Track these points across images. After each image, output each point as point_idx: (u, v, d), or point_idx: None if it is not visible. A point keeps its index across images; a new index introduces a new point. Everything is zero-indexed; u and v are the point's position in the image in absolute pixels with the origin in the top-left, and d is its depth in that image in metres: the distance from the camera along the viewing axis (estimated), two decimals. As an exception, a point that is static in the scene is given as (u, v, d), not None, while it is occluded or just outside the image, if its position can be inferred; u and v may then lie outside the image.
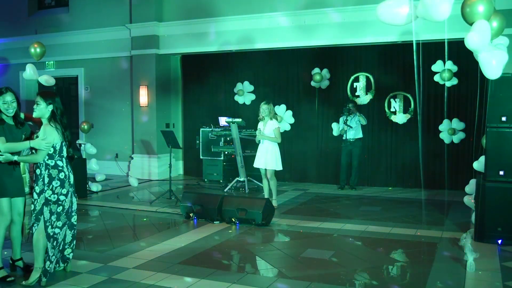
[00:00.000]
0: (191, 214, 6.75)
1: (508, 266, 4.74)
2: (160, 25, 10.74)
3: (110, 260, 4.94)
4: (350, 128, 9.06)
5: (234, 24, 9.99)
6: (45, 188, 4.17)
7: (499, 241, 5.41)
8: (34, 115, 4.23)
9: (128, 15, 11.00)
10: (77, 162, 8.37)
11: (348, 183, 9.39)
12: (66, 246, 4.42)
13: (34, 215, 4.18)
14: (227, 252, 5.33)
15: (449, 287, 4.29)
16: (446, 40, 6.04)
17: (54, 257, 4.22)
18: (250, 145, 9.61)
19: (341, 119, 9.14)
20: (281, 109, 10.15)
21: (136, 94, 11.00)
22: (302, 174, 10.28)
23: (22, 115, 4.50)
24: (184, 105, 11.54)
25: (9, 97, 4.29)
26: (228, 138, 9.97)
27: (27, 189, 6.18)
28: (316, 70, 9.94)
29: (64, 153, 4.28)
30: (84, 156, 9.15)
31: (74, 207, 4.43)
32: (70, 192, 4.34)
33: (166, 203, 7.94)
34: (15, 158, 4.19)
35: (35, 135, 4.32)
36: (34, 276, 4.15)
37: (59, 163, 4.24)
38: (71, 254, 4.50)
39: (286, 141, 9.93)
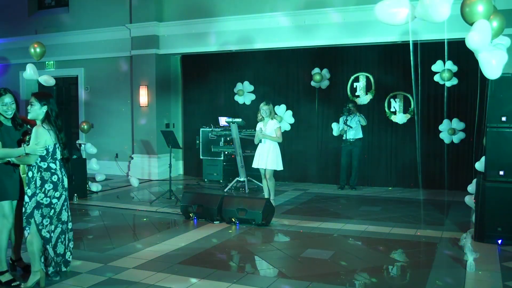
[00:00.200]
0: (191, 214, 6.75)
1: (508, 266, 4.74)
2: (160, 25, 10.74)
3: (110, 260, 4.94)
4: (350, 128, 9.05)
5: (234, 24, 9.99)
6: (37, 191, 4.10)
7: (499, 241, 5.40)
8: (29, 116, 4.18)
9: (128, 15, 11.01)
10: (77, 162, 8.42)
11: (348, 183, 9.39)
12: (66, 250, 4.40)
13: (24, 218, 4.11)
14: (227, 252, 5.33)
15: (449, 287, 4.28)
16: (446, 40, 6.05)
17: (55, 257, 4.26)
18: (250, 145, 9.59)
19: (341, 119, 9.14)
20: (281, 109, 10.15)
21: (136, 94, 11.00)
22: (302, 174, 10.28)
23: (18, 120, 4.42)
24: (184, 105, 11.54)
25: (8, 98, 4.22)
26: (228, 138, 9.97)
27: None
28: (316, 70, 9.94)
29: (58, 156, 4.21)
30: (84, 156, 9.15)
31: (69, 211, 4.39)
32: (64, 196, 4.27)
33: (166, 203, 7.94)
34: (11, 158, 4.14)
35: (27, 137, 4.22)
36: (33, 279, 4.13)
37: (52, 165, 4.17)
38: (71, 256, 4.47)
39: (286, 141, 9.92)
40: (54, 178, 4.18)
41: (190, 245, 5.52)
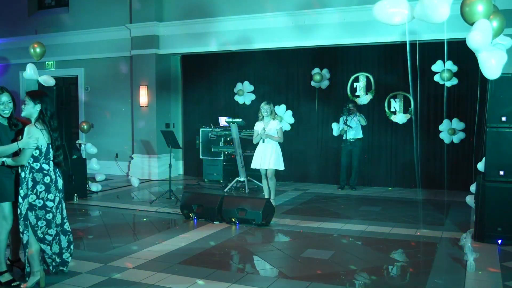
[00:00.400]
0: (191, 214, 6.75)
1: (508, 266, 4.74)
2: (160, 25, 10.74)
3: (110, 260, 4.94)
4: (350, 128, 9.05)
5: (234, 24, 9.99)
6: (29, 192, 4.06)
7: (499, 241, 5.41)
8: (22, 114, 4.15)
9: (128, 15, 11.01)
10: (77, 162, 8.43)
11: (348, 183, 9.39)
12: (63, 251, 4.37)
13: (21, 220, 4.08)
14: (227, 252, 5.33)
15: (449, 287, 4.28)
16: (445, 40, 6.05)
17: (50, 260, 4.25)
18: (250, 145, 9.59)
19: (341, 119, 9.14)
20: (281, 109, 10.15)
21: (136, 94, 11.00)
22: (302, 174, 10.28)
23: (14, 120, 4.36)
24: (184, 105, 11.54)
25: (5, 97, 4.17)
26: (228, 138, 9.97)
27: None
28: (316, 70, 9.94)
29: (52, 156, 4.16)
30: (84, 156, 9.15)
31: (64, 214, 4.36)
32: (58, 198, 4.22)
33: (166, 203, 7.94)
34: (5, 159, 4.08)
35: (20, 137, 4.16)
36: (33, 279, 4.13)
37: (45, 166, 4.11)
38: (70, 258, 4.45)
39: (286, 141, 9.87)
40: (47, 179, 4.12)
41: (190, 245, 5.52)
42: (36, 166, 4.09)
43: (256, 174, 8.57)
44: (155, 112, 10.84)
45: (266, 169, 7.41)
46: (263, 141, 7.37)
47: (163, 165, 10.61)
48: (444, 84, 8.82)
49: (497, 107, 5.44)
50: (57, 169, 4.25)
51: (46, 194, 4.12)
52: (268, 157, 7.33)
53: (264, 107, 7.44)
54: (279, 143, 7.46)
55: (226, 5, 10.10)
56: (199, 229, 6.27)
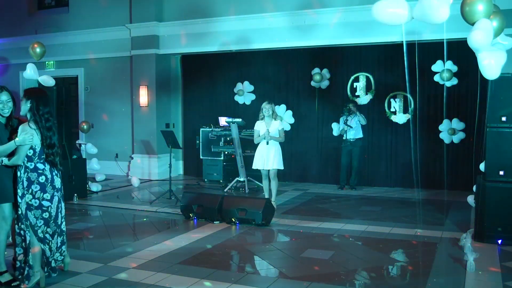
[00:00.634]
0: (191, 214, 6.75)
1: (508, 266, 4.74)
2: (160, 25, 10.74)
3: (110, 260, 4.93)
4: (351, 128, 9.05)
5: (234, 24, 9.99)
6: (25, 192, 4.06)
7: (499, 241, 5.40)
8: (21, 113, 4.16)
9: (128, 15, 11.01)
10: (77, 162, 8.43)
11: (348, 183, 9.39)
12: (56, 252, 4.33)
13: (23, 219, 4.08)
14: (227, 252, 5.32)
15: (449, 287, 4.28)
16: (445, 40, 6.04)
17: (52, 258, 4.24)
18: (250, 145, 9.59)
19: (341, 119, 9.14)
20: (281, 109, 10.15)
21: (136, 94, 11.00)
22: (302, 174, 10.28)
23: (15, 121, 4.36)
24: (184, 105, 11.54)
25: (4, 96, 4.16)
26: (228, 138, 9.97)
27: None
28: (316, 70, 9.94)
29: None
30: (84, 156, 9.15)
31: (63, 213, 4.34)
32: (56, 197, 4.20)
33: (166, 203, 7.94)
34: (3, 159, 4.08)
35: (14, 136, 4.14)
36: (33, 279, 4.12)
37: (40, 166, 4.10)
38: (60, 257, 4.39)
39: (286, 141, 9.83)
40: (42, 179, 4.11)
41: (190, 245, 5.52)
42: (31, 165, 4.09)
43: (256, 174, 8.56)
44: (155, 112, 10.84)
45: (269, 170, 7.40)
46: (267, 143, 7.33)
47: (163, 165, 10.61)
48: (444, 84, 8.82)
49: (497, 107, 5.44)
50: (55, 168, 4.23)
51: (42, 193, 4.12)
52: (271, 158, 7.31)
53: (266, 107, 7.43)
54: (280, 143, 7.46)
55: (226, 5, 10.09)
56: (199, 229, 6.27)
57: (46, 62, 11.87)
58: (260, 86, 10.57)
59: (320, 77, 9.86)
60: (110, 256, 5.08)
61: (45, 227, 4.17)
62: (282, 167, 7.48)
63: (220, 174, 10.18)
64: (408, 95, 9.30)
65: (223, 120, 10.06)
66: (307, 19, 9.37)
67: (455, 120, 8.96)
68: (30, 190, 4.08)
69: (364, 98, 9.76)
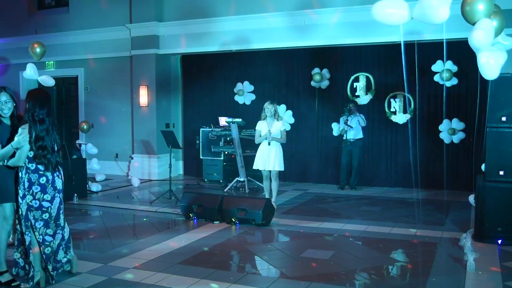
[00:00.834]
0: (191, 214, 6.75)
1: (508, 266, 4.74)
2: (160, 25, 10.74)
3: (110, 260, 4.94)
4: (351, 128, 9.05)
5: (234, 24, 9.99)
6: (26, 193, 4.06)
7: (499, 241, 5.40)
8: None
9: (128, 15, 11.00)
10: (77, 162, 8.43)
11: (348, 183, 9.39)
12: (65, 256, 4.33)
13: (23, 220, 4.08)
14: (227, 252, 5.33)
15: (449, 287, 4.28)
16: (444, 40, 6.05)
17: (51, 265, 4.19)
18: (250, 145, 9.60)
19: (342, 119, 9.14)
20: (281, 109, 10.14)
21: (136, 94, 11.00)
22: (302, 174, 10.28)
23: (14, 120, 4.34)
24: (184, 105, 11.54)
25: (3, 97, 4.16)
26: (228, 138, 9.97)
27: None
28: (316, 70, 9.94)
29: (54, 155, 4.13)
30: (84, 156, 9.15)
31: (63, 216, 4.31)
32: (57, 198, 4.19)
33: (166, 203, 7.94)
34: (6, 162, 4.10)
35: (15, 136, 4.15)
36: (33, 279, 4.12)
37: (41, 167, 4.10)
38: (65, 257, 4.37)
39: (286, 141, 9.89)
40: (42, 180, 4.11)
41: (190, 245, 5.52)
42: (32, 166, 4.10)
43: (256, 174, 8.57)
44: (155, 112, 10.83)
45: (270, 171, 7.39)
46: (269, 144, 7.31)
47: (163, 165, 10.61)
48: (444, 84, 8.82)
49: (497, 107, 5.44)
50: (56, 169, 4.22)
51: (42, 194, 4.12)
52: (272, 159, 7.30)
53: (268, 107, 7.41)
54: (281, 144, 7.45)
55: (226, 5, 10.09)
56: (199, 229, 6.27)
57: (46, 62, 11.87)
58: (260, 86, 10.57)
59: (320, 77, 9.86)
60: (110, 256, 5.09)
61: (45, 229, 4.15)
62: (283, 169, 7.47)
63: (220, 174, 10.19)
64: (408, 95, 9.31)
65: (223, 120, 10.06)
66: (307, 19, 9.37)
67: (455, 120, 8.95)
68: (30, 191, 4.08)
69: (364, 98, 9.76)
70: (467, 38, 4.07)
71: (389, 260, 5.09)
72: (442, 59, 8.66)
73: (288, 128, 10.09)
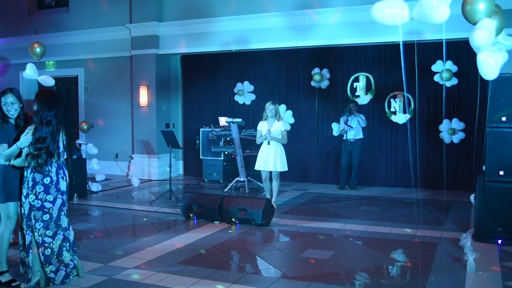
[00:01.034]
0: (191, 214, 6.75)
1: (508, 266, 4.74)
2: (160, 25, 10.74)
3: (110, 260, 4.94)
4: (351, 128, 9.05)
5: (234, 24, 9.99)
6: (29, 192, 4.06)
7: (499, 241, 5.40)
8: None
9: (128, 15, 11.01)
10: (77, 162, 8.43)
11: (348, 183, 9.39)
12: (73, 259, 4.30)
13: (24, 219, 4.08)
14: (227, 252, 5.33)
15: (449, 287, 4.28)
16: (444, 40, 6.05)
17: (50, 266, 4.13)
18: (250, 145, 9.61)
19: (342, 119, 9.14)
20: (281, 109, 10.13)
21: (136, 94, 11.00)
22: (302, 174, 10.28)
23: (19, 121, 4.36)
24: (184, 105, 11.55)
25: (10, 98, 4.19)
26: (228, 138, 9.97)
27: None
28: (316, 70, 9.94)
29: (55, 158, 4.12)
30: (84, 156, 9.15)
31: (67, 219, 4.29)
32: (60, 199, 4.17)
33: (166, 203, 7.94)
34: (13, 162, 4.11)
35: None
36: (33, 279, 4.12)
37: (46, 167, 4.11)
38: (68, 256, 4.31)
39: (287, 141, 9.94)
40: (46, 180, 4.10)
41: (190, 245, 5.52)
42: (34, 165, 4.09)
43: (256, 174, 8.56)
44: (155, 112, 10.84)
45: (270, 171, 7.37)
46: (268, 143, 7.30)
47: (163, 165, 10.61)
48: (444, 84, 8.82)
49: (497, 107, 5.45)
50: (61, 171, 4.22)
51: (45, 195, 4.11)
52: (272, 159, 7.28)
53: (269, 107, 7.39)
54: (283, 144, 7.43)
55: (226, 5, 10.09)
56: (199, 229, 6.27)
57: (46, 62, 11.88)
58: (260, 86, 10.57)
59: (320, 77, 9.86)
60: (110, 256, 5.09)
61: (45, 230, 4.13)
62: (284, 169, 7.43)
63: (220, 174, 10.19)
64: (408, 95, 9.31)
65: (223, 120, 10.06)
66: (307, 19, 9.37)
67: (455, 120, 8.95)
68: (34, 191, 4.08)
69: (364, 98, 9.76)
70: (467, 38, 4.07)
71: (389, 260, 5.09)
72: (442, 59, 8.66)
73: (289, 128, 10.10)
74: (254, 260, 5.10)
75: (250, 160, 9.06)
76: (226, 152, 10.15)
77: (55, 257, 4.17)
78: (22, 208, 4.12)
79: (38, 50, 8.69)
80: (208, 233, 6.02)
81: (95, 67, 11.58)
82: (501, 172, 5.45)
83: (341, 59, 9.96)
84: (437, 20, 3.90)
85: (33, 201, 4.08)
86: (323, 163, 10.16)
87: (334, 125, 9.57)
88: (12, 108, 4.22)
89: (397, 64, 9.37)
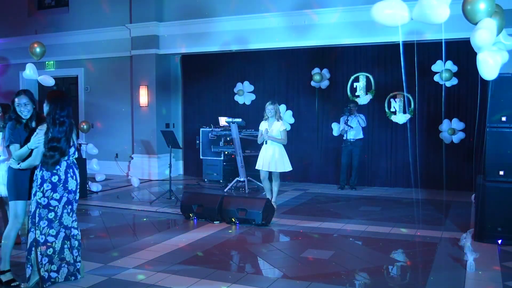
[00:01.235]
0: (191, 214, 6.75)
1: (508, 266, 4.74)
2: (160, 25, 10.74)
3: (110, 260, 4.94)
4: (351, 128, 9.05)
5: (234, 24, 9.99)
6: (37, 189, 4.08)
7: (499, 241, 5.40)
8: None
9: (128, 15, 11.01)
10: (77, 162, 8.39)
11: (348, 183, 9.39)
12: (76, 259, 4.32)
13: (30, 216, 4.09)
14: (227, 252, 5.32)
15: (449, 287, 4.28)
16: (443, 40, 6.05)
17: (52, 265, 4.12)
18: (250, 145, 9.62)
19: (342, 119, 9.14)
20: (281, 109, 10.13)
21: (136, 94, 11.00)
22: (302, 174, 10.27)
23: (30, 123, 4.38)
24: (184, 105, 11.55)
25: (23, 99, 4.24)
26: (228, 138, 9.97)
27: None
28: (316, 70, 9.95)
29: (65, 157, 4.15)
30: (84, 156, 9.15)
31: (74, 216, 4.29)
32: (65, 198, 4.17)
33: (166, 203, 7.94)
34: (20, 163, 4.13)
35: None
36: (33, 279, 4.13)
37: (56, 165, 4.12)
38: (70, 255, 4.34)
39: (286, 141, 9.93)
40: (54, 178, 4.12)
41: (190, 245, 5.52)
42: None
43: (256, 174, 8.54)
44: (155, 112, 10.84)
45: (268, 171, 7.36)
46: (266, 142, 7.30)
47: (163, 165, 10.62)
48: (444, 84, 8.82)
49: (497, 107, 5.44)
50: (71, 170, 4.23)
51: (52, 193, 4.12)
52: (269, 158, 7.27)
53: (269, 107, 7.39)
54: (283, 145, 7.41)
55: (226, 5, 10.10)
56: (199, 229, 6.27)
57: (46, 62, 11.88)
58: (260, 86, 10.57)
59: (320, 77, 9.86)
60: (110, 256, 5.09)
61: (48, 229, 4.13)
62: (286, 169, 7.38)
63: (220, 174, 10.19)
64: (408, 95, 9.31)
65: (223, 120, 10.06)
66: (307, 19, 9.38)
67: (455, 120, 8.96)
68: (41, 189, 4.10)
69: (364, 98, 9.76)
70: (467, 38, 4.08)
71: (389, 260, 5.09)
72: (442, 59, 8.66)
73: (288, 128, 10.09)
74: (254, 260, 5.10)
75: (250, 160, 9.06)
76: (226, 152, 10.15)
77: (56, 255, 4.18)
78: (30, 206, 4.14)
79: (38, 50, 8.70)
80: (208, 233, 6.02)
81: (95, 67, 11.58)
82: (501, 172, 5.44)
83: (341, 59, 9.96)
84: (437, 20, 3.91)
85: (40, 198, 4.09)
86: (323, 163, 10.16)
87: (334, 125, 9.57)
88: (25, 109, 4.26)
89: (397, 64, 9.36)
